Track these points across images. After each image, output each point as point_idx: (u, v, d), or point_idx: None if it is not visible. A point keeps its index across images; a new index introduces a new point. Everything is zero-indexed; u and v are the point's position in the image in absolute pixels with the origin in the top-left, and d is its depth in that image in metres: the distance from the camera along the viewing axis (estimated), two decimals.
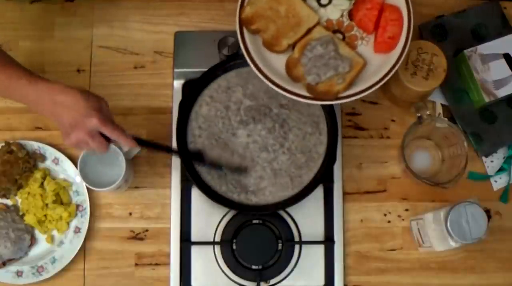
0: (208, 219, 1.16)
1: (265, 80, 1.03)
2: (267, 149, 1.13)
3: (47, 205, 1.15)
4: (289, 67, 1.06)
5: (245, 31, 1.06)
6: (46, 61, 1.22)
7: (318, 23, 1.07)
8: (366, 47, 1.07)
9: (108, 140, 1.02)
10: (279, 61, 1.06)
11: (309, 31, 1.06)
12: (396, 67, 1.02)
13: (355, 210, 1.19)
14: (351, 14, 1.08)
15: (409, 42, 1.03)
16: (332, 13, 1.08)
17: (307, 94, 1.04)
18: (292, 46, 1.06)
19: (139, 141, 1.05)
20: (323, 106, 1.15)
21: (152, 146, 1.11)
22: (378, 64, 1.05)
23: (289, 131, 1.14)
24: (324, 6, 1.08)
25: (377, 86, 1.02)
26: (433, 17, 1.25)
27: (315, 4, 1.09)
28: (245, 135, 1.14)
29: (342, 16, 1.08)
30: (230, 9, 1.25)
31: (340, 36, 1.08)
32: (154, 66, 1.23)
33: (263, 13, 1.06)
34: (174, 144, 1.15)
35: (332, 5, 1.08)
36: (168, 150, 1.14)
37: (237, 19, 1.05)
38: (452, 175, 1.11)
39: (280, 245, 1.14)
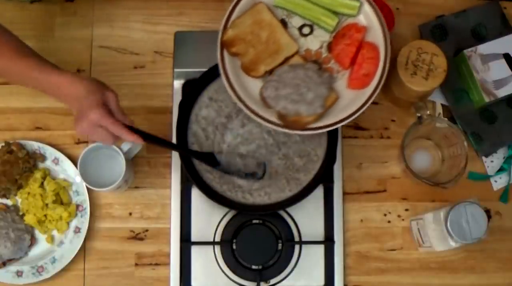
0: (208, 219, 1.16)
1: (238, 102, 1.04)
2: (261, 151, 1.13)
3: (47, 205, 1.15)
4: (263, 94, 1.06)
5: (225, 52, 1.06)
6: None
7: (297, 52, 1.07)
8: (340, 81, 1.07)
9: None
10: (254, 85, 1.06)
11: (287, 59, 1.07)
12: (367, 105, 1.03)
13: (355, 210, 1.19)
14: (330, 47, 1.08)
15: (382, 81, 1.04)
16: (312, 44, 1.09)
17: (277, 121, 1.04)
18: (269, 72, 1.06)
19: (146, 136, 1.03)
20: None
21: (158, 141, 1.08)
22: (350, 99, 1.05)
23: (288, 136, 1.14)
24: (305, 35, 1.09)
25: (345, 122, 1.03)
26: (433, 17, 1.25)
27: (296, 33, 1.09)
28: (239, 136, 1.14)
29: (321, 47, 1.09)
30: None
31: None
32: (154, 66, 1.23)
33: (244, 37, 1.06)
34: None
35: (312, 35, 1.08)
36: (174, 146, 1.14)
37: (219, 40, 1.05)
38: (452, 175, 1.11)
39: (280, 245, 1.14)
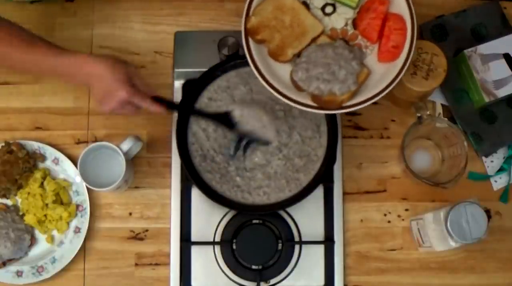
0: (208, 219, 1.16)
1: (271, 89, 1.03)
2: (258, 154, 1.14)
3: (47, 205, 1.15)
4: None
5: (250, 41, 1.05)
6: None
7: (322, 32, 1.06)
8: (370, 56, 1.07)
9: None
10: (284, 70, 1.06)
11: (313, 40, 1.06)
12: (400, 76, 1.02)
13: (355, 210, 1.19)
14: (355, 23, 1.08)
15: (412, 51, 1.03)
16: (337, 22, 1.08)
17: (312, 103, 1.04)
18: (297, 55, 1.06)
19: (169, 105, 1.06)
20: None
21: (178, 106, 1.11)
22: (382, 73, 1.05)
23: (290, 137, 1.14)
24: (328, 15, 1.08)
25: (381, 95, 1.02)
26: (433, 17, 1.25)
27: (319, 13, 1.08)
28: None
29: (346, 25, 1.08)
30: (230, 9, 1.25)
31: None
32: (154, 66, 1.23)
33: (268, 23, 1.06)
34: (174, 145, 1.15)
35: (336, 13, 1.08)
36: (192, 111, 1.14)
37: (243, 29, 1.05)
38: (452, 175, 1.11)
39: (280, 245, 1.14)
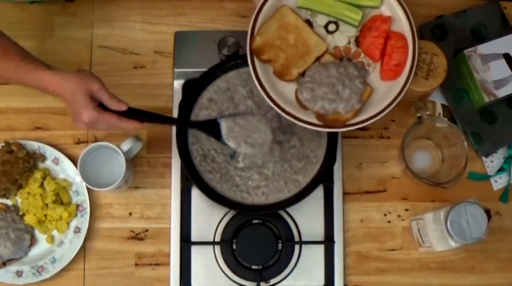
0: (208, 219, 1.16)
1: (277, 108, 1.03)
2: (262, 154, 1.14)
3: (47, 205, 1.15)
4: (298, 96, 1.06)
5: (256, 61, 1.05)
6: (46, 61, 1.21)
7: (326, 51, 1.07)
8: (372, 74, 1.07)
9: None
10: (289, 89, 1.06)
11: (317, 59, 1.06)
12: (402, 94, 1.03)
13: (355, 210, 1.19)
14: (357, 41, 1.08)
15: (414, 69, 1.04)
16: (340, 40, 1.08)
17: (317, 122, 1.04)
18: (302, 74, 1.06)
19: (144, 116, 1.03)
20: None
21: (157, 118, 1.08)
22: (385, 90, 1.05)
23: (291, 138, 1.14)
24: (331, 33, 1.08)
25: (384, 113, 1.03)
26: (433, 17, 1.25)
27: (322, 31, 1.08)
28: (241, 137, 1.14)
29: (349, 43, 1.08)
30: (230, 9, 1.25)
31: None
32: (154, 66, 1.23)
33: (272, 42, 1.05)
34: (174, 145, 1.15)
35: (339, 32, 1.08)
36: (174, 120, 1.13)
37: (248, 49, 1.05)
38: (452, 175, 1.11)
39: (280, 245, 1.14)
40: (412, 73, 1.04)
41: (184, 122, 1.14)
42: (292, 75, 1.05)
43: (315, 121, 1.04)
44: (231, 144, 1.08)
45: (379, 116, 1.03)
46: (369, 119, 1.04)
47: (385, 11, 1.07)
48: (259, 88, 1.04)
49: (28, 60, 1.00)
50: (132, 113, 1.02)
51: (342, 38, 1.08)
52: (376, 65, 1.07)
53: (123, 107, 1.00)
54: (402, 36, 1.06)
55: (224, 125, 1.08)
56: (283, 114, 1.03)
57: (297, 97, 1.05)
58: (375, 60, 1.07)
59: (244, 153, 1.10)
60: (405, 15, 1.06)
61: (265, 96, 1.03)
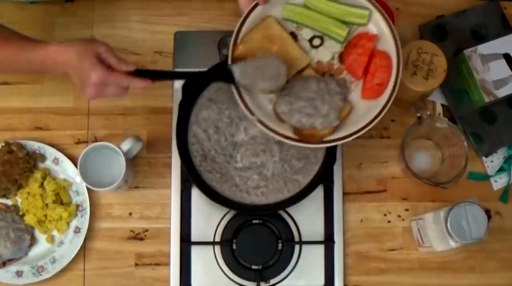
0: (208, 219, 1.16)
1: (253, 119, 1.02)
2: (257, 154, 1.13)
3: (47, 205, 1.15)
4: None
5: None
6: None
7: (308, 65, 1.06)
8: (354, 92, 1.06)
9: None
10: (268, 100, 1.05)
11: (299, 73, 1.05)
12: (382, 114, 1.01)
13: (355, 210, 1.19)
14: (341, 58, 1.07)
15: (396, 89, 1.02)
16: (323, 55, 1.07)
17: (293, 135, 1.03)
18: (282, 87, 1.03)
19: (154, 75, 1.01)
20: None
21: (166, 75, 1.08)
22: (365, 109, 1.04)
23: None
24: (316, 47, 1.07)
25: (361, 133, 1.01)
26: (433, 17, 1.25)
27: (306, 45, 1.07)
28: (242, 138, 1.14)
29: (333, 58, 1.07)
30: (230, 9, 1.25)
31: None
32: (154, 66, 1.23)
33: (255, 52, 1.04)
34: (174, 145, 1.15)
35: (323, 47, 1.07)
36: (184, 74, 1.10)
37: (230, 57, 1.03)
38: (452, 175, 1.11)
39: (280, 245, 1.14)
40: (394, 93, 1.02)
41: (194, 76, 1.09)
42: (261, 89, 1.03)
43: (291, 135, 1.03)
44: (247, 83, 1.01)
45: (356, 135, 1.02)
46: (347, 137, 1.02)
47: (371, 28, 1.06)
48: (237, 97, 1.02)
49: (29, 40, 1.01)
50: (141, 74, 0.99)
51: (326, 54, 1.07)
52: (358, 83, 1.06)
53: (131, 68, 0.98)
54: (387, 56, 1.04)
55: (236, 71, 1.01)
56: (259, 125, 1.02)
57: (274, 110, 1.04)
58: (358, 78, 1.06)
59: (262, 89, 1.02)
60: (391, 35, 1.04)
61: (242, 106, 1.02)
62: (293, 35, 1.07)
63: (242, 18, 1.05)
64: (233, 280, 1.14)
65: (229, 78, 1.02)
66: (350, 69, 1.06)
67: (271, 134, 1.02)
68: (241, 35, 1.04)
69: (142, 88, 0.98)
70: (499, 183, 1.20)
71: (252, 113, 1.02)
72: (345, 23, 1.06)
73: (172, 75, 1.12)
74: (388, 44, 1.04)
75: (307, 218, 1.17)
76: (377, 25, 1.05)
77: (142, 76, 0.98)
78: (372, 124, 1.02)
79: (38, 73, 1.19)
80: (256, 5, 1.04)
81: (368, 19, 1.05)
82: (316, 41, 1.07)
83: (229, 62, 1.03)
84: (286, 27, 1.07)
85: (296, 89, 1.02)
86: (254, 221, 1.15)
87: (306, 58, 1.06)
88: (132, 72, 0.97)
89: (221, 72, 1.03)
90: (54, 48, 0.97)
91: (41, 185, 1.16)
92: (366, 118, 1.02)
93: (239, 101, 1.02)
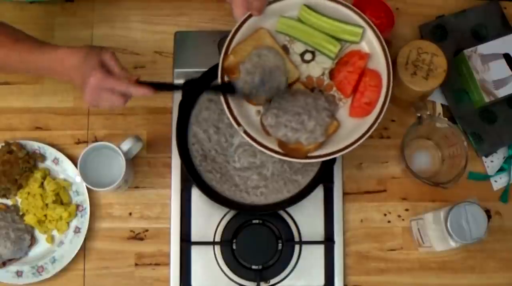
0: (208, 219, 1.16)
1: (239, 130, 1.01)
2: (255, 155, 1.13)
3: (47, 205, 1.15)
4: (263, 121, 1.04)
5: (226, 79, 1.03)
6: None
7: (298, 79, 1.05)
8: (342, 109, 1.05)
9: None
10: (255, 112, 1.05)
11: (288, 86, 1.04)
12: (369, 134, 1.01)
13: (355, 210, 1.19)
14: (332, 74, 1.06)
15: (384, 110, 1.02)
16: (314, 70, 1.06)
17: (277, 149, 1.02)
18: (270, 99, 1.04)
19: (154, 85, 0.98)
20: None
21: (167, 87, 1.08)
22: (352, 127, 1.03)
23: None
24: (307, 62, 1.06)
25: (347, 151, 1.01)
26: (433, 17, 1.25)
27: (298, 59, 1.06)
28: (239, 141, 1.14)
29: (323, 74, 1.06)
30: (230, 9, 1.24)
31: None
32: (154, 66, 1.23)
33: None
34: (174, 145, 1.15)
35: (314, 62, 1.06)
36: (186, 84, 1.06)
37: (220, 66, 1.03)
38: (452, 175, 1.11)
39: (280, 245, 1.14)
40: (382, 113, 1.01)
41: (193, 85, 1.08)
42: (260, 99, 1.03)
43: (275, 148, 1.02)
44: (250, 93, 1.01)
45: (341, 153, 1.01)
46: (332, 154, 1.01)
47: (364, 47, 1.05)
48: (225, 107, 1.01)
49: (40, 42, 1.02)
50: (141, 83, 0.98)
51: (317, 69, 1.06)
52: (347, 100, 1.06)
53: (132, 78, 0.98)
54: (377, 75, 1.04)
55: (239, 86, 1.02)
56: (244, 135, 1.01)
57: (261, 122, 1.03)
58: (346, 96, 1.05)
59: (264, 97, 1.03)
60: (383, 54, 1.03)
61: (229, 116, 1.01)
62: (285, 49, 1.07)
63: (234, 28, 1.04)
64: (233, 280, 1.14)
65: (229, 89, 1.02)
66: (340, 86, 1.06)
67: (256, 146, 1.02)
68: (232, 45, 1.04)
69: (142, 96, 0.97)
70: (499, 183, 1.20)
71: (238, 124, 1.02)
72: (337, 39, 1.05)
73: (172, 87, 1.11)
74: (379, 63, 1.04)
75: (307, 218, 1.17)
76: (370, 43, 1.05)
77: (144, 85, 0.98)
78: (357, 144, 1.01)
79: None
80: (250, 16, 1.04)
81: (361, 37, 1.05)
82: (308, 56, 1.07)
83: (219, 73, 1.02)
84: (278, 40, 1.06)
85: (284, 102, 1.02)
86: (254, 221, 1.15)
87: (296, 73, 1.05)
88: (135, 80, 0.97)
89: (223, 85, 1.03)
90: (64, 50, 0.99)
91: (41, 185, 1.16)
92: (352, 136, 1.02)
93: (226, 111, 1.02)
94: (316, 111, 1.01)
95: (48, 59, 0.99)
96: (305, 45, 1.07)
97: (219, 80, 1.02)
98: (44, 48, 1.00)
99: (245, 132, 1.02)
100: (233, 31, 1.04)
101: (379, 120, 1.02)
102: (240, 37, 1.04)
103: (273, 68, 1.02)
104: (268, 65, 1.02)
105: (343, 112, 1.06)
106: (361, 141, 1.01)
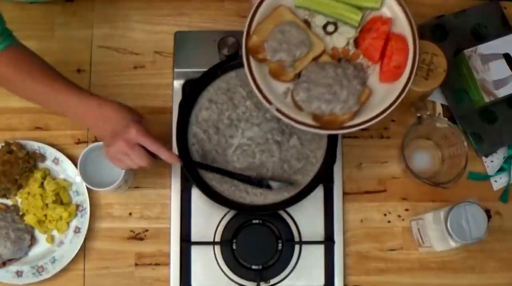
0: (208, 219, 1.16)
1: (271, 108, 1.01)
2: (254, 155, 1.13)
3: (47, 205, 1.15)
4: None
5: (251, 59, 1.03)
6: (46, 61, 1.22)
7: (323, 52, 1.05)
8: (371, 76, 1.05)
9: (153, 155, 1.02)
10: (284, 89, 1.04)
11: (314, 60, 1.04)
12: (402, 97, 1.01)
13: (355, 210, 1.19)
14: (356, 43, 1.06)
15: (414, 71, 1.02)
16: (338, 41, 1.06)
17: (312, 123, 1.02)
18: (298, 75, 1.04)
19: (186, 160, 1.05)
20: None
21: (197, 165, 1.12)
22: (384, 93, 1.03)
23: (290, 138, 1.14)
24: (330, 34, 1.06)
25: (382, 116, 1.01)
26: (433, 17, 1.25)
27: (320, 32, 1.06)
28: (239, 138, 1.14)
29: (348, 44, 1.06)
30: (230, 9, 1.25)
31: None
32: (154, 66, 1.23)
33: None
34: (174, 145, 1.15)
35: (338, 33, 1.06)
36: (216, 170, 1.11)
37: (244, 48, 1.02)
38: (452, 175, 1.11)
39: (280, 245, 1.14)
40: (413, 75, 1.02)
41: (228, 174, 1.11)
42: (288, 76, 1.04)
43: (310, 122, 1.02)
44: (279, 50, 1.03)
45: (377, 119, 1.01)
46: (367, 122, 1.01)
47: (385, 12, 1.06)
48: (254, 87, 1.01)
49: (73, 83, 1.03)
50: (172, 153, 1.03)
51: (341, 39, 1.06)
52: (376, 67, 1.06)
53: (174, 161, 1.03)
54: (403, 38, 1.04)
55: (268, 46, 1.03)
56: (278, 114, 1.01)
57: (292, 98, 1.03)
58: (374, 62, 1.05)
59: (295, 56, 1.04)
60: (405, 17, 1.04)
61: (259, 96, 1.01)
62: (306, 23, 1.07)
63: (253, 8, 1.04)
64: (233, 280, 1.14)
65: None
66: (366, 53, 1.06)
67: (291, 123, 1.01)
68: (253, 25, 1.04)
69: (169, 161, 1.03)
70: (499, 183, 1.20)
71: (269, 102, 1.01)
72: (358, 7, 1.06)
73: (214, 171, 1.12)
74: (403, 27, 1.04)
75: (307, 218, 1.17)
76: (391, 8, 1.05)
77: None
78: (392, 107, 1.01)
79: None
80: None
81: (381, 3, 1.05)
82: (330, 28, 1.07)
83: (243, 54, 1.02)
84: (298, 15, 1.06)
85: (313, 76, 1.02)
86: (254, 221, 1.15)
87: (320, 45, 1.05)
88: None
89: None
90: (99, 100, 1.01)
91: (41, 185, 1.16)
92: (385, 102, 1.02)
93: (255, 90, 1.01)
94: (347, 80, 1.01)
95: (88, 105, 1.00)
96: (326, 18, 1.07)
97: (244, 61, 1.02)
98: (76, 92, 1.01)
99: (278, 110, 1.01)
100: (252, 10, 1.04)
101: (410, 82, 1.01)
102: (260, 17, 1.04)
103: (298, 43, 1.02)
104: (292, 41, 1.02)
105: (373, 79, 1.05)
106: (394, 105, 1.01)
